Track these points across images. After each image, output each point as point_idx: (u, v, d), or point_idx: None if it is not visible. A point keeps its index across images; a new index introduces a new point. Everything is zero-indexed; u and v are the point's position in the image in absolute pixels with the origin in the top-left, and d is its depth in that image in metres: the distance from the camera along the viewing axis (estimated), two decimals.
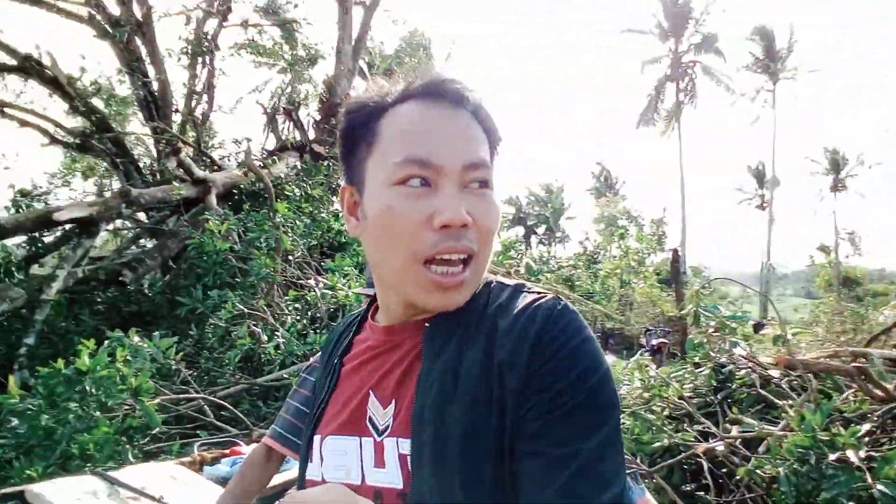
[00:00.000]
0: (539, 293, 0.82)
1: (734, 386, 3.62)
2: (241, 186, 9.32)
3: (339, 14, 14.82)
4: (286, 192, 9.26)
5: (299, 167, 12.01)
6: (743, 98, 34.89)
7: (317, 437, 0.91)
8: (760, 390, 3.39)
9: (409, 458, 0.78)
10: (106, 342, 3.73)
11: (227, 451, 2.59)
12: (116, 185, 12.81)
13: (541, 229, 45.10)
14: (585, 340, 0.76)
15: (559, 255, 21.23)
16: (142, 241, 9.84)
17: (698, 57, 34.78)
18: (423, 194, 0.79)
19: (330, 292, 6.16)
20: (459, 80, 0.85)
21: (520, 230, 44.64)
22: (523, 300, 0.80)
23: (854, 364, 2.98)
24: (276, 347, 5.03)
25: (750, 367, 3.65)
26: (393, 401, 0.83)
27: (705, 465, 2.96)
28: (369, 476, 0.82)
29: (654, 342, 13.69)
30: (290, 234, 6.60)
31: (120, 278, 7.74)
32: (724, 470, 3.00)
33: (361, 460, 0.83)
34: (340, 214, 10.26)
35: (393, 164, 0.80)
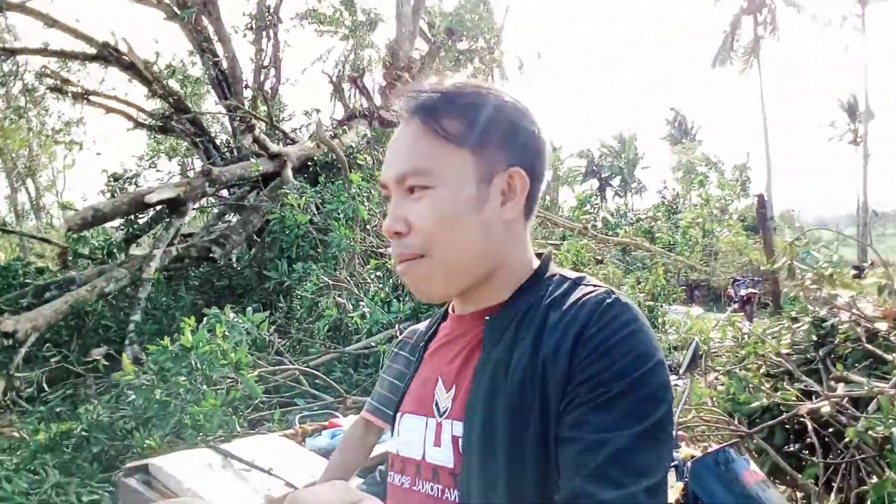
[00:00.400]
0: (595, 286, 0.84)
1: (837, 341, 3.44)
2: (315, 158, 9.50)
3: None
4: (358, 162, 9.37)
5: (369, 135, 12.10)
6: (830, 26, 32.20)
7: (398, 414, 1.00)
8: (867, 345, 3.20)
9: (460, 440, 0.84)
10: (205, 319, 3.94)
11: (327, 423, 2.70)
12: (198, 163, 13.34)
13: (615, 181, 43.96)
14: (633, 333, 0.76)
15: (637, 207, 20.61)
16: (226, 217, 10.25)
17: None
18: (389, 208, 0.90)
19: None
20: (418, 88, 0.88)
21: (594, 183, 43.69)
22: (576, 294, 0.82)
23: None
24: (362, 316, 5.17)
25: (854, 320, 3.45)
26: (454, 385, 0.89)
27: (809, 425, 2.85)
28: (429, 454, 0.89)
29: (742, 293, 13.25)
30: (365, 204, 6.70)
31: (210, 255, 8.10)
32: (830, 430, 2.88)
33: (424, 438, 0.90)
34: None
35: None
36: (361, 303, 5.38)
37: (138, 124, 12.09)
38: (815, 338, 3.51)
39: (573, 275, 0.88)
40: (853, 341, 3.31)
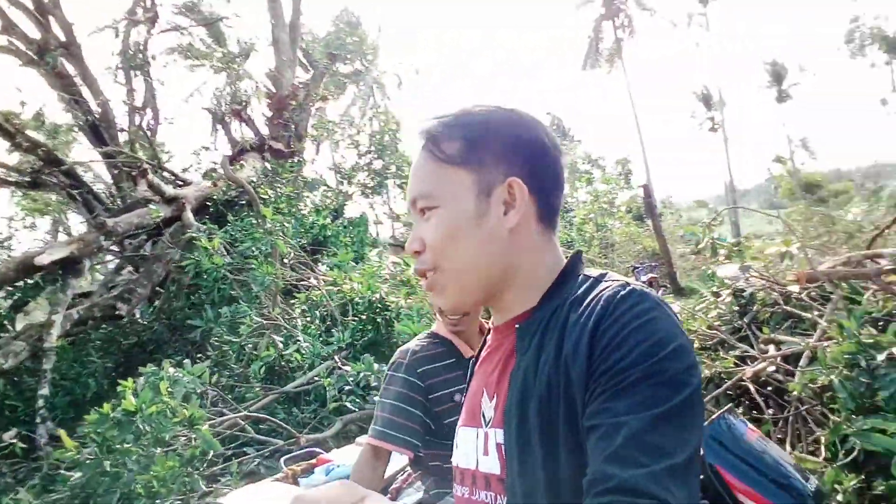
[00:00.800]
0: (613, 281, 0.87)
1: (756, 308, 3.78)
2: (215, 198, 9.15)
3: (267, 3, 14.48)
4: (261, 196, 9.14)
5: (265, 167, 11.83)
6: (679, 26, 35.09)
7: (458, 428, 1.05)
8: (785, 307, 3.55)
9: (503, 447, 0.89)
10: (142, 378, 3.71)
11: (314, 461, 2.64)
12: (74, 218, 12.45)
13: None
14: (648, 321, 0.78)
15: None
16: (122, 270, 9.64)
17: None
18: None
19: (334, 288, 6.18)
20: (429, 118, 0.95)
21: None
22: (594, 291, 0.85)
23: (876, 267, 3.15)
24: (298, 351, 5.05)
25: (768, 287, 3.81)
26: (495, 395, 0.94)
27: (751, 387, 3.11)
28: (480, 463, 0.94)
29: (643, 278, 13.94)
30: (280, 237, 6.55)
31: (116, 312, 7.61)
32: (769, 389, 3.16)
33: (476, 448, 0.96)
34: (319, 209, 10.16)
35: None
36: (296, 339, 5.25)
37: (3, 181, 11.13)
38: (737, 308, 3.84)
39: (595, 273, 0.92)
40: (771, 305, 3.65)
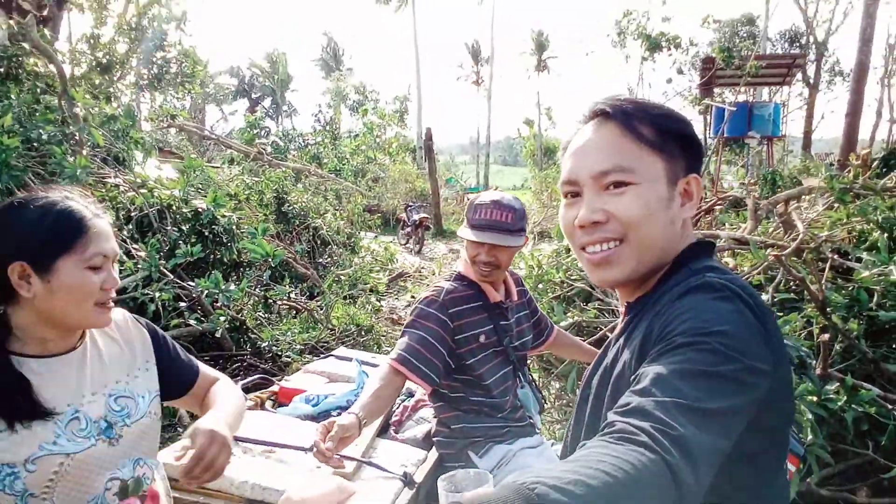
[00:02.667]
0: (706, 273, 0.94)
1: None
2: None
3: None
4: (25, 67, 7.51)
5: (14, 29, 9.63)
6: None
7: None
8: None
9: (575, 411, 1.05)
10: None
11: (276, 390, 2.50)
12: None
13: (267, 102, 42.80)
14: (710, 305, 0.85)
15: (301, 131, 20.59)
16: None
17: None
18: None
19: (145, 192, 5.50)
20: (612, 96, 1.05)
21: (244, 103, 41.85)
22: (685, 283, 0.94)
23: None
24: (130, 258, 4.44)
25: None
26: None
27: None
28: None
29: (415, 217, 14.58)
30: (93, 125, 5.53)
31: None
32: None
33: None
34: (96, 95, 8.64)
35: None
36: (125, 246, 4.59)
37: None
38: None
39: (699, 265, 0.98)
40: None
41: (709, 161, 11.75)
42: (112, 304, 1.31)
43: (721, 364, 0.77)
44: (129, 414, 1.35)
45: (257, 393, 2.46)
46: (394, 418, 2.41)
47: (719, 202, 6.60)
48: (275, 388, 2.54)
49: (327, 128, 21.07)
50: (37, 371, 1.24)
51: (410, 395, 2.55)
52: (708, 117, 14.54)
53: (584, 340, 3.72)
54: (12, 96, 5.98)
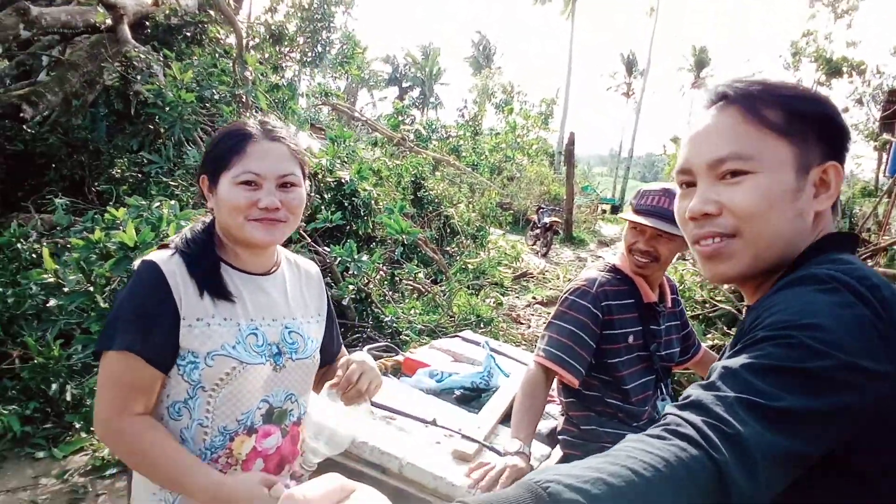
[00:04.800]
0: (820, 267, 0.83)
1: None
2: (157, 19, 7.99)
3: None
4: (208, 33, 8.12)
5: (203, 2, 10.47)
6: None
7: None
8: None
9: None
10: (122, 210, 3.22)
11: (401, 360, 2.48)
12: None
13: (415, 92, 44.08)
14: (801, 297, 0.76)
15: (442, 123, 20.97)
16: (26, 69, 8.24)
17: None
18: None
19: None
20: (734, 78, 0.94)
21: (394, 90, 43.36)
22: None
23: None
24: None
25: None
26: None
27: None
28: None
29: (546, 220, 14.36)
30: (261, 91, 5.88)
31: (21, 114, 6.53)
32: None
33: None
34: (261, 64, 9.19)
35: None
36: None
37: None
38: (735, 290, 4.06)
39: (822, 259, 0.86)
40: None
41: (879, 201, 10.58)
42: (276, 222, 1.33)
43: (806, 360, 0.67)
44: (296, 349, 1.41)
45: (382, 360, 2.43)
46: None
47: (885, 249, 5.84)
48: (399, 357, 2.50)
49: (470, 122, 21.32)
50: (233, 280, 1.34)
51: None
52: (885, 155, 13.10)
53: None
54: (195, 57, 6.49)
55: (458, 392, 2.20)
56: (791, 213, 0.86)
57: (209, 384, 1.28)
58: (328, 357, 1.57)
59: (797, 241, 0.88)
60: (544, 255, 13.79)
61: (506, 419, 2.13)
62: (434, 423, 1.85)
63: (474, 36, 47.21)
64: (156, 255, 1.30)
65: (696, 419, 0.65)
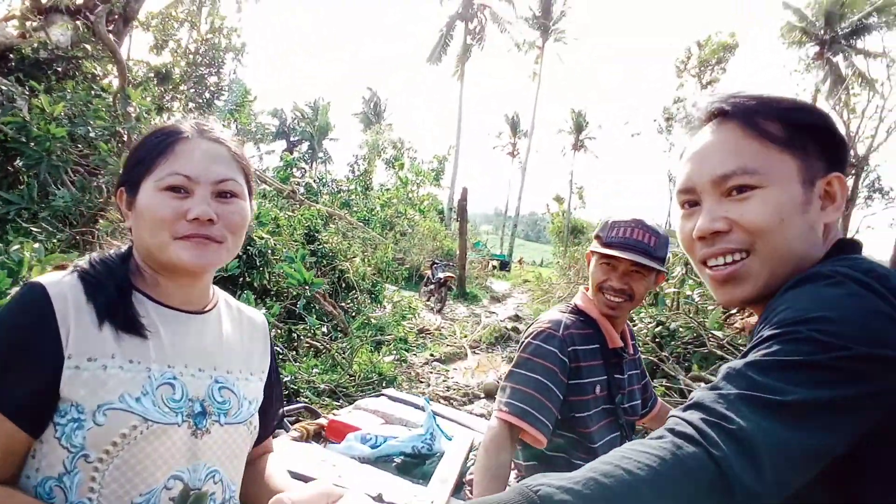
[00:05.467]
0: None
1: (675, 343, 4.02)
2: (22, 51, 7.26)
3: None
4: (83, 69, 7.49)
5: (80, 35, 9.75)
6: (518, 51, 37.07)
7: None
8: (712, 349, 3.83)
9: None
10: None
11: (324, 423, 2.11)
12: None
13: (304, 147, 43.50)
14: (808, 292, 0.74)
15: (331, 177, 20.86)
16: None
17: (489, 0, 35.96)
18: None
19: None
20: (729, 93, 0.93)
21: (282, 144, 42.61)
22: None
23: None
24: None
25: (696, 326, 4.09)
26: None
27: None
28: None
29: (440, 275, 14.29)
30: (136, 127, 5.34)
31: None
32: None
33: None
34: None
35: None
36: None
37: None
38: (657, 339, 4.05)
39: (818, 268, 0.82)
40: (696, 345, 3.92)
41: None
42: (210, 241, 1.03)
43: (815, 353, 0.65)
44: (227, 410, 1.08)
45: (303, 423, 2.06)
46: (468, 476, 1.97)
47: None
48: (322, 420, 2.14)
49: (361, 177, 21.24)
50: (149, 313, 1.03)
51: None
52: None
53: None
54: (67, 89, 5.87)
55: (398, 459, 1.88)
56: (803, 227, 0.84)
57: (96, 451, 0.93)
58: (261, 437, 1.23)
59: (810, 255, 0.85)
60: (439, 311, 13.63)
61: (457, 490, 1.84)
62: (381, 500, 1.53)
63: (365, 92, 47.71)
64: (45, 277, 0.99)
65: (696, 418, 0.63)
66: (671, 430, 0.63)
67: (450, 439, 2.07)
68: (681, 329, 4.03)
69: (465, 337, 10.57)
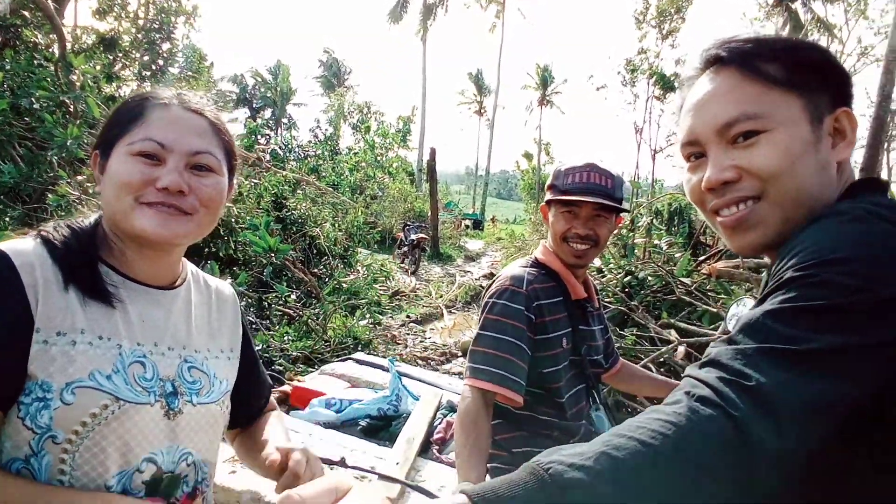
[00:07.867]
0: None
1: (646, 292, 4.04)
2: None
3: None
4: (23, 38, 7.13)
5: (15, 4, 9.27)
6: (478, 6, 36.36)
7: None
8: (683, 297, 3.85)
9: None
10: None
11: (287, 390, 2.06)
12: None
13: (267, 113, 42.53)
14: (827, 228, 0.71)
15: (296, 143, 20.53)
16: None
17: None
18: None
19: None
20: (724, 39, 0.90)
21: (245, 112, 41.60)
22: None
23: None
24: None
25: (664, 274, 4.10)
26: None
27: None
28: None
29: (413, 237, 14.26)
30: (91, 96, 5.10)
31: None
32: (662, 369, 3.39)
33: None
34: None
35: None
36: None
37: None
38: (626, 289, 4.06)
39: (838, 206, 0.79)
40: (665, 293, 3.94)
41: None
42: (178, 212, 0.99)
43: (835, 297, 0.61)
44: (198, 390, 1.05)
45: None
46: (436, 435, 1.95)
47: (723, 253, 6.29)
48: (286, 388, 2.10)
49: (327, 142, 20.89)
50: (117, 289, 0.98)
51: (452, 409, 2.10)
52: None
53: None
54: (6, 60, 5.57)
55: (363, 422, 1.85)
56: (814, 167, 0.81)
57: (65, 432, 0.88)
58: (253, 411, 1.24)
59: (825, 195, 0.81)
60: (414, 273, 13.61)
61: (424, 450, 1.81)
62: (343, 463, 1.49)
63: (322, 55, 46.52)
64: (6, 244, 0.92)
65: (712, 377, 0.61)
66: (687, 393, 0.61)
67: (416, 399, 2.04)
68: (650, 278, 4.05)
69: (441, 297, 10.60)
